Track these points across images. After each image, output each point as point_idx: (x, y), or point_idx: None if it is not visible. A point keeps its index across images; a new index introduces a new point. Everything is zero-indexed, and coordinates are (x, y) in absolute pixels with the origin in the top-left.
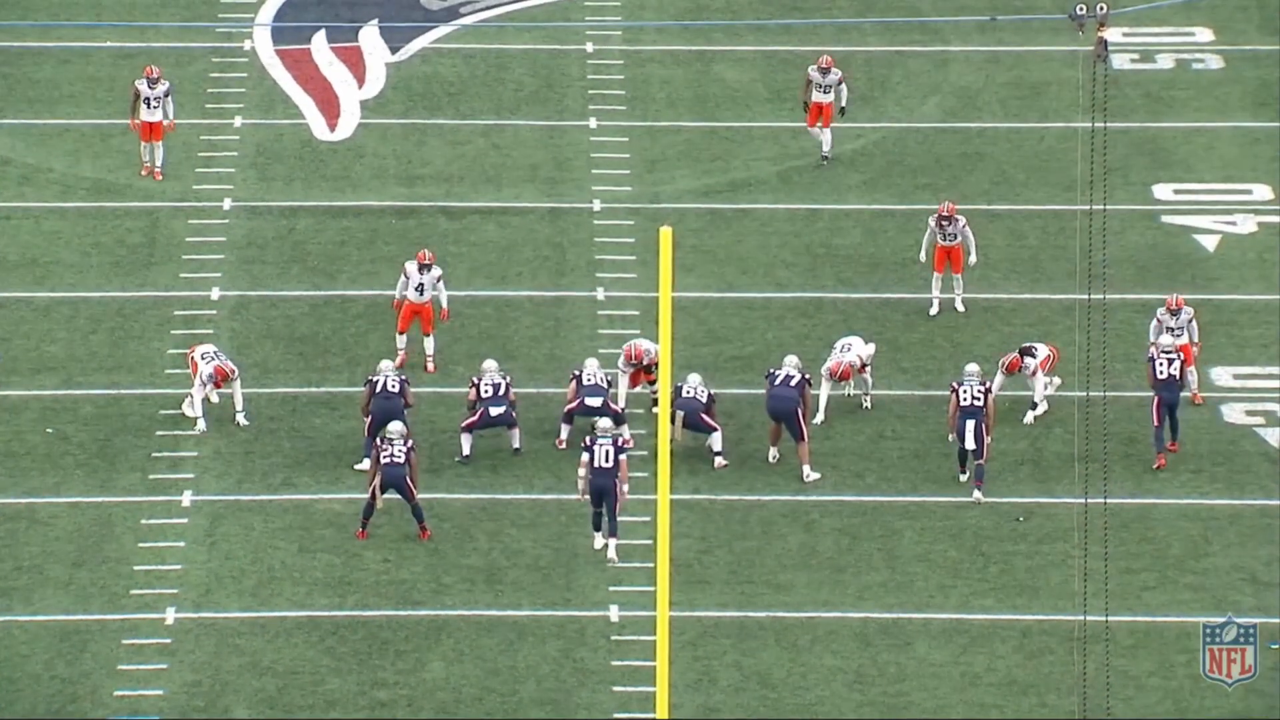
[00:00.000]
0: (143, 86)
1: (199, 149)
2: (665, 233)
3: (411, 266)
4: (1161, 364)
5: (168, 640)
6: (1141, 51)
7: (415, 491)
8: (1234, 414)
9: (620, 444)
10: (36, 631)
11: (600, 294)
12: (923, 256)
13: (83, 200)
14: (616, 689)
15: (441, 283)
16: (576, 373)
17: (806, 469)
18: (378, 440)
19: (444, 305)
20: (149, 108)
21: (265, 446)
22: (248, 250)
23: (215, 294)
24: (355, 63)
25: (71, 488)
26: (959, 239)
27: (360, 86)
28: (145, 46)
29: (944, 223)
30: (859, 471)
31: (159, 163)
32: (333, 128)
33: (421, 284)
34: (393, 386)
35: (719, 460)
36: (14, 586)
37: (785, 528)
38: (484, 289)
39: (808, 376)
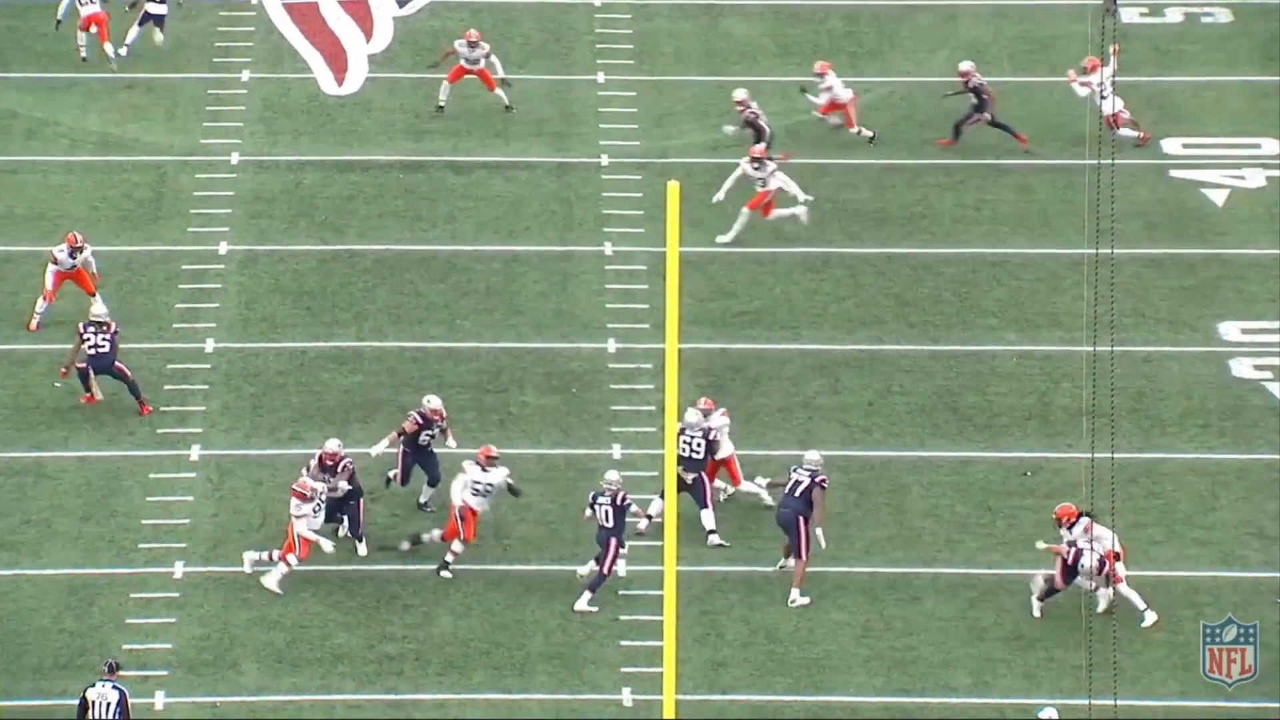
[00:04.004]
0: None
1: (206, 103)
2: (673, 187)
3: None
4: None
5: (176, 594)
6: (1150, 5)
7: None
8: (1242, 368)
9: (622, 502)
10: (45, 585)
11: (608, 249)
12: (721, 195)
13: (90, 154)
14: (624, 644)
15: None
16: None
17: (795, 592)
18: (80, 327)
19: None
20: None
21: (273, 401)
22: (255, 205)
23: (223, 248)
24: (363, 16)
25: (80, 442)
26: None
27: (368, 40)
28: None
29: (755, 164)
30: (866, 427)
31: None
32: (340, 82)
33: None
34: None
35: (714, 538)
36: (22, 540)
37: None
38: (492, 244)
39: (821, 480)
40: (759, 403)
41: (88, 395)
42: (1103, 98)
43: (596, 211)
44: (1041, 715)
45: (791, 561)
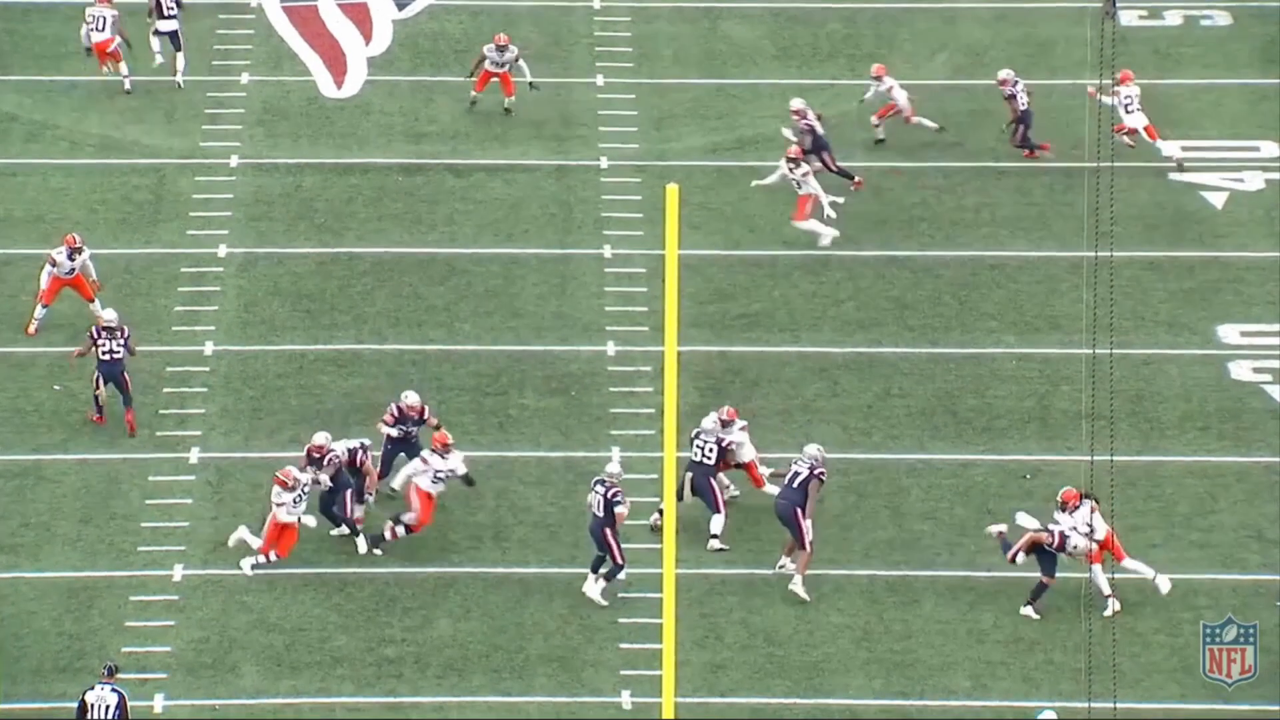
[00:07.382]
0: None
1: (206, 106)
2: (672, 190)
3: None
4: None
5: (175, 597)
6: (1149, 7)
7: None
8: (1241, 371)
9: (612, 496)
10: (44, 588)
11: (607, 251)
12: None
13: (90, 157)
14: (623, 646)
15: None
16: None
17: (798, 580)
18: (93, 332)
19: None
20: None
21: (272, 403)
22: (255, 207)
23: (222, 251)
24: (362, 19)
25: (79, 445)
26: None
27: (367, 43)
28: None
29: (792, 164)
30: (865, 429)
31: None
32: (339, 85)
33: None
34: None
35: (715, 543)
36: (21, 543)
37: None
38: (491, 246)
39: (818, 472)
40: (758, 405)
41: (98, 416)
42: (1128, 112)
43: (596, 214)
44: (1041, 718)
45: (789, 563)
